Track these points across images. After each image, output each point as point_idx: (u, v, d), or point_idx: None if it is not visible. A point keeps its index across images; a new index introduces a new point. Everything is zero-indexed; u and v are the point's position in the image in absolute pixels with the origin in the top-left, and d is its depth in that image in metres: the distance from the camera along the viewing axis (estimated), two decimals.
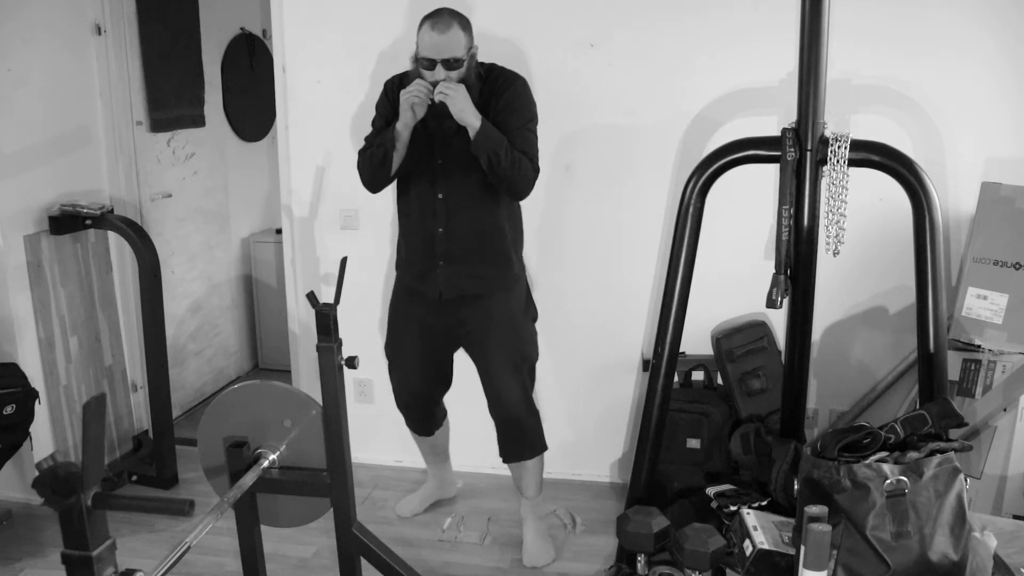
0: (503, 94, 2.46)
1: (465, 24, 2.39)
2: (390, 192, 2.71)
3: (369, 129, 2.58)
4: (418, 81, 2.37)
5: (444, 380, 2.79)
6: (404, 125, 2.39)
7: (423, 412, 2.82)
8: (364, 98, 3.03)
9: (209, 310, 4.07)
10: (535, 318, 2.72)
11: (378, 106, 2.58)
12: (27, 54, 2.88)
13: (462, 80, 2.38)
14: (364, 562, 2.11)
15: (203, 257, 4.00)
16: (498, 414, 2.63)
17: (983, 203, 2.76)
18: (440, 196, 2.50)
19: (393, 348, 2.74)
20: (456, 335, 2.64)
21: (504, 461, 2.72)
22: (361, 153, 2.54)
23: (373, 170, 2.50)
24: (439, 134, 2.46)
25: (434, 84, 2.35)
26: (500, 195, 2.51)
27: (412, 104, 2.35)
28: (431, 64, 2.35)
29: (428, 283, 2.57)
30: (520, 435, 2.65)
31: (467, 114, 2.35)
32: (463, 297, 2.56)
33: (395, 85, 2.54)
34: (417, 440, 2.93)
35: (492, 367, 2.59)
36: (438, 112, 2.38)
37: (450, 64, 2.35)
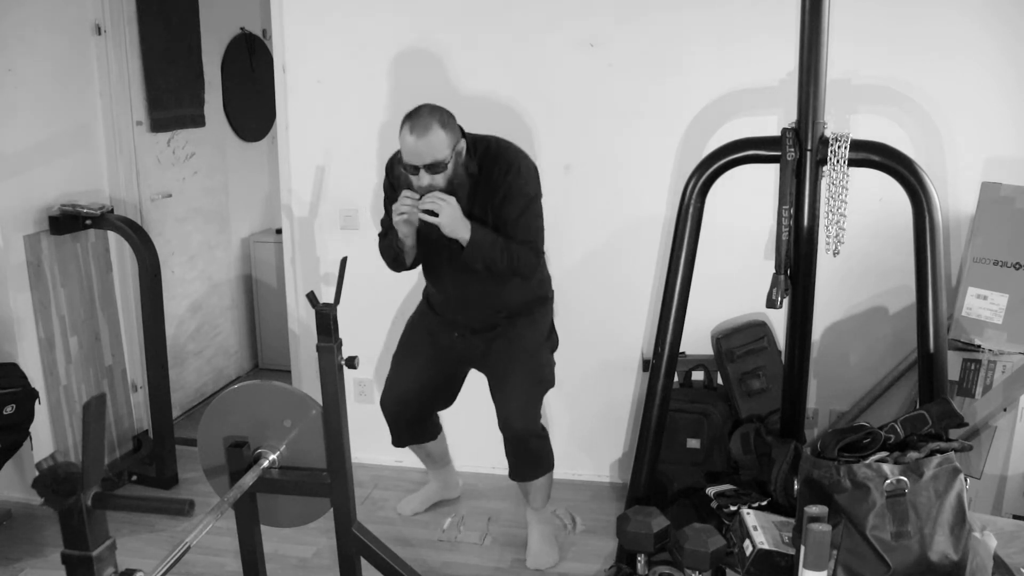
0: (500, 185, 2.38)
1: (446, 121, 2.29)
2: None
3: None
4: (404, 195, 2.32)
5: (449, 397, 2.79)
6: (404, 236, 2.39)
7: (405, 425, 2.77)
8: (364, 98, 3.03)
9: (209, 310, 4.07)
10: (555, 348, 2.72)
11: (384, 188, 2.57)
12: (27, 54, 2.88)
13: (449, 181, 2.31)
14: (364, 562, 2.12)
15: (203, 257, 4.00)
16: (507, 436, 2.59)
17: (983, 203, 2.76)
18: (451, 283, 2.54)
19: (399, 357, 2.72)
20: (472, 356, 2.65)
21: (513, 480, 2.70)
22: (379, 238, 2.58)
23: (392, 265, 2.54)
24: (440, 231, 2.39)
25: (419, 188, 2.30)
26: None
27: (404, 221, 2.33)
28: (415, 169, 2.29)
29: (448, 332, 2.62)
30: (528, 457, 2.63)
31: (457, 228, 2.31)
32: (487, 329, 2.59)
33: (395, 166, 2.45)
34: (412, 449, 2.91)
35: (506, 389, 2.56)
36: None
37: (433, 168, 2.28)
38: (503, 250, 2.36)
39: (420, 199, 2.31)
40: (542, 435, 2.64)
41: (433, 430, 2.89)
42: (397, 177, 2.42)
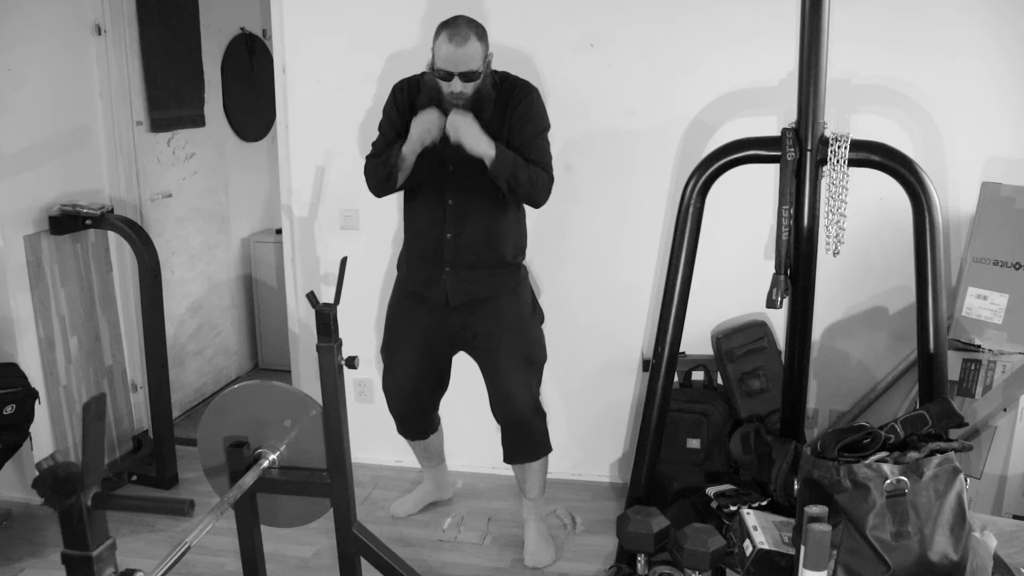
0: (519, 104, 2.45)
1: (482, 34, 2.37)
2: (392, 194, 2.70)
3: (375, 133, 2.57)
4: (431, 112, 2.36)
5: (441, 384, 2.78)
6: (412, 151, 2.40)
7: (418, 417, 2.81)
8: (364, 98, 3.03)
9: (209, 310, 4.07)
10: (542, 320, 2.72)
11: (386, 111, 2.56)
12: (27, 54, 2.88)
13: (478, 91, 2.37)
14: (364, 562, 2.12)
15: (203, 257, 4.00)
16: (506, 416, 2.62)
17: (983, 203, 2.76)
18: (450, 203, 2.49)
19: (390, 352, 2.71)
20: (460, 338, 2.63)
21: (509, 463, 2.71)
22: (369, 159, 2.55)
23: (379, 183, 2.51)
24: (450, 142, 2.43)
25: (451, 94, 2.34)
26: (508, 202, 2.51)
27: (423, 136, 2.36)
28: (448, 76, 2.33)
29: (433, 288, 2.56)
30: (527, 437, 2.64)
31: (480, 145, 2.34)
32: (470, 302, 2.55)
33: (404, 91, 2.52)
34: (410, 444, 2.93)
35: (502, 370, 2.58)
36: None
37: (467, 76, 2.33)
38: (524, 166, 2.39)
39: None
40: (542, 413, 2.66)
41: (436, 421, 2.90)
42: (405, 102, 2.46)
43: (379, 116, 2.58)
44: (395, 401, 2.74)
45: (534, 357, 2.64)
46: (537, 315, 2.70)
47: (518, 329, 2.59)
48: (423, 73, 2.47)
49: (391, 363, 2.71)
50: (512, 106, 2.45)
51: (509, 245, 2.57)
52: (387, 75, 2.99)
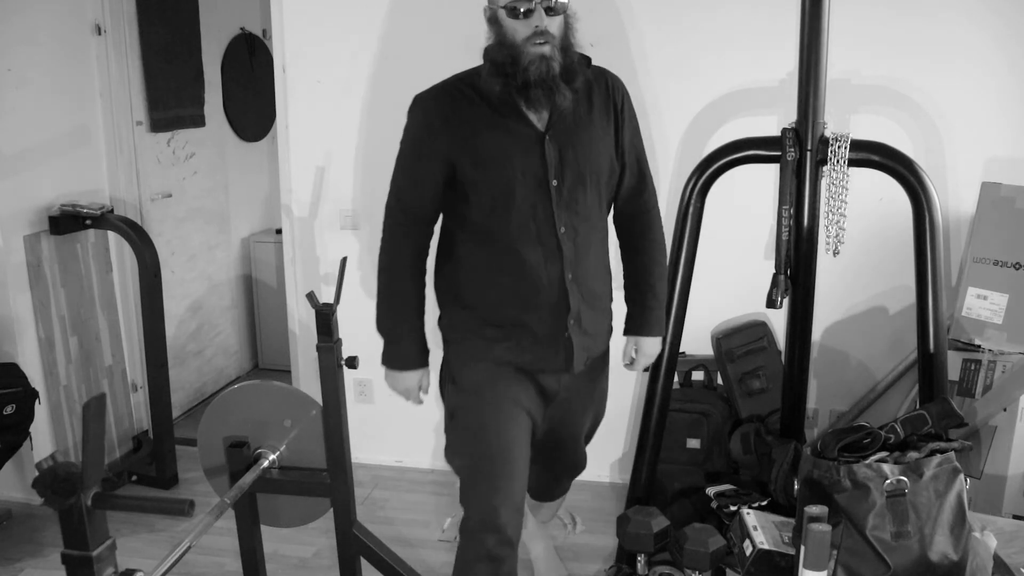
0: (623, 100, 2.00)
1: None
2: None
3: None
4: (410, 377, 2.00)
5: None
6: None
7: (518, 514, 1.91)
8: (364, 98, 3.03)
9: (209, 310, 4.07)
10: None
11: (411, 139, 1.92)
12: (27, 54, 2.88)
13: (564, 36, 1.84)
14: (364, 562, 2.12)
15: (203, 257, 4.00)
16: (563, 469, 2.39)
17: (983, 203, 2.76)
18: (562, 231, 1.85)
19: (491, 447, 1.87)
20: (548, 413, 2.09)
21: (547, 500, 2.53)
22: (386, 224, 1.97)
23: (400, 253, 1.98)
24: (551, 137, 1.83)
25: (534, 35, 1.78)
26: (605, 217, 2.00)
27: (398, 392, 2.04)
28: (523, 12, 1.76)
29: (552, 353, 1.92)
30: (571, 479, 2.48)
31: (658, 346, 2.09)
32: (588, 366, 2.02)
33: (432, 104, 1.91)
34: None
35: (577, 435, 2.27)
36: (545, 94, 1.79)
37: (552, 9, 1.78)
38: (660, 273, 2.06)
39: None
40: None
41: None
42: (444, 114, 1.88)
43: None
44: (500, 517, 1.84)
45: (602, 416, 2.33)
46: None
47: (603, 392, 2.25)
48: (473, 68, 1.95)
49: (499, 467, 1.86)
50: (617, 99, 1.98)
51: (610, 276, 2.05)
52: (387, 75, 2.99)
